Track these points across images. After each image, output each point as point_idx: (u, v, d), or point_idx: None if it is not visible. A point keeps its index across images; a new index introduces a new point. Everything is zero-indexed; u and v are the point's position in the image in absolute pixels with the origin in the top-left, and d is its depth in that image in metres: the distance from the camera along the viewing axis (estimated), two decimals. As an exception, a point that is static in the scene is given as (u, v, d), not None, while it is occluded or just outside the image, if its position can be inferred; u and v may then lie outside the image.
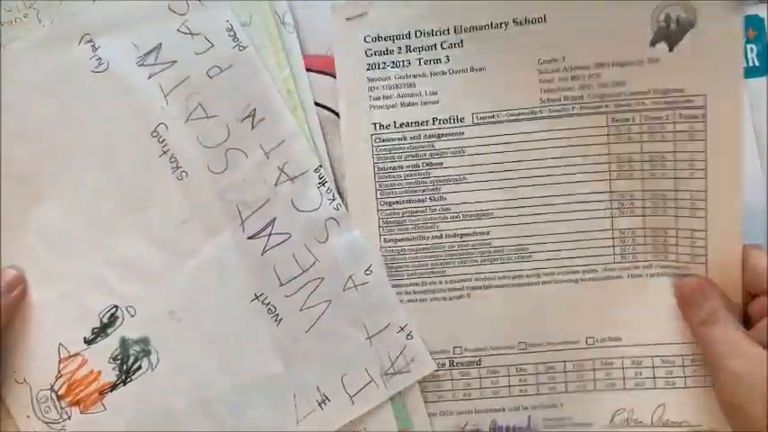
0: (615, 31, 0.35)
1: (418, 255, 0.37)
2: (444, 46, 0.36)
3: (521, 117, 0.36)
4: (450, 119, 0.36)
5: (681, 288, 0.35)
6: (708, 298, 0.34)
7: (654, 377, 0.36)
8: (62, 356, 0.37)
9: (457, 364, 0.37)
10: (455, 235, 0.36)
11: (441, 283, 0.37)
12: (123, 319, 0.37)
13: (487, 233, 0.36)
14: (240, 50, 0.38)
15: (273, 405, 0.37)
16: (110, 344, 0.37)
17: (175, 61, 0.38)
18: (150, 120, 0.37)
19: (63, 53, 0.37)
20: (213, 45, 0.38)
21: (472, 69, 0.36)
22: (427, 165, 0.36)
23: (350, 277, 0.38)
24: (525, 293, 0.36)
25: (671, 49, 0.35)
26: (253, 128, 0.38)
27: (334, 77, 0.38)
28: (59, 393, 0.37)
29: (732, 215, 0.35)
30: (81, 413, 0.37)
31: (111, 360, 0.37)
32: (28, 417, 0.37)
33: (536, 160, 0.36)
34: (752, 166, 0.37)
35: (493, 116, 0.36)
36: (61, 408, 0.37)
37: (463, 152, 0.36)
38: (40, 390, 0.37)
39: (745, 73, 0.36)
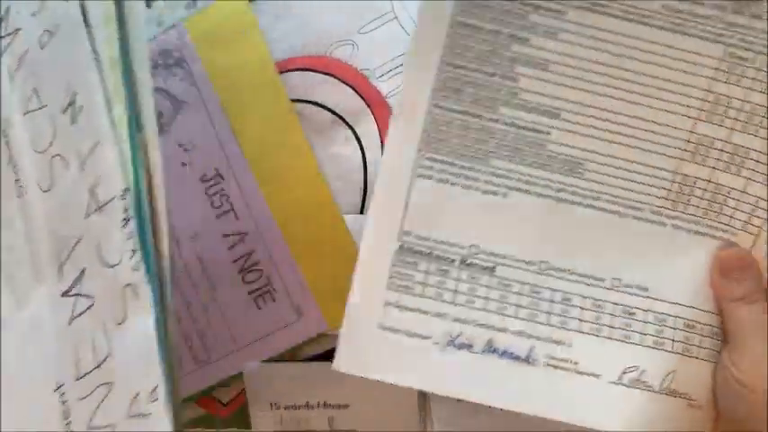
0: None
1: (467, 133, 0.32)
2: None
3: (634, 18, 0.31)
4: None
5: (723, 260, 0.32)
6: (749, 276, 0.31)
7: (673, 340, 0.32)
8: None
9: (469, 264, 0.32)
10: (513, 124, 0.32)
11: (480, 171, 0.32)
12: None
13: (548, 134, 0.32)
14: (67, 1, 0.24)
15: None
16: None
17: (19, 29, 0.26)
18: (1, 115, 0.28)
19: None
20: (46, -1, 0.25)
21: None
22: (511, 36, 0.32)
23: (136, 396, 0.21)
24: (565, 211, 0.32)
25: None
26: (72, 122, 0.24)
27: (335, 78, 0.36)
28: None
29: None
30: None
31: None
32: None
33: (628, 72, 0.31)
34: None
35: (604, 6, 0.31)
36: None
37: (557, 36, 0.32)
38: None
39: None
